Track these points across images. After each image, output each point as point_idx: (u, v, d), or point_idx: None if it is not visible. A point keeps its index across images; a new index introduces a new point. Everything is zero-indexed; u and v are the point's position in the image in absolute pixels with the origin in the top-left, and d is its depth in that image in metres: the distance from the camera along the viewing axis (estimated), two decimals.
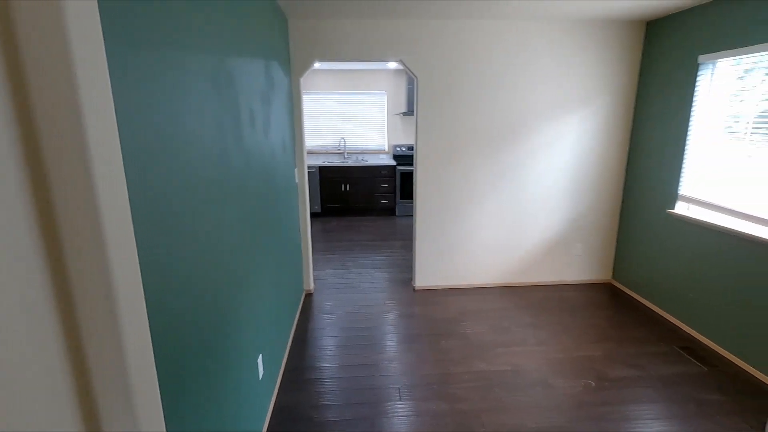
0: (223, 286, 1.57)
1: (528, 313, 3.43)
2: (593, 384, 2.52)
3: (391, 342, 3.00)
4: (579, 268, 3.99)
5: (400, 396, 2.43)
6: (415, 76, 3.43)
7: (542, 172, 3.72)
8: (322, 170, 6.42)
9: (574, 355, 2.82)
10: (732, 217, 2.79)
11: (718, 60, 2.83)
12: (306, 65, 3.34)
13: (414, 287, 3.90)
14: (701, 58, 2.92)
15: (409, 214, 6.73)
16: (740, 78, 2.75)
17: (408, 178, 6.56)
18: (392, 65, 6.16)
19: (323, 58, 3.34)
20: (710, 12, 2.85)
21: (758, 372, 2.57)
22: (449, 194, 3.70)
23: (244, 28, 1.94)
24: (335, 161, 6.66)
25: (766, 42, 2.48)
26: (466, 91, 3.49)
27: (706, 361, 2.74)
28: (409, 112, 6.57)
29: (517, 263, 3.93)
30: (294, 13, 3.07)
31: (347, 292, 3.82)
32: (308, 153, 6.91)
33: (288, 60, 3.24)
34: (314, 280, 4.04)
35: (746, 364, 2.65)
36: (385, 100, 6.81)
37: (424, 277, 3.88)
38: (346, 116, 6.83)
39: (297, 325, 3.27)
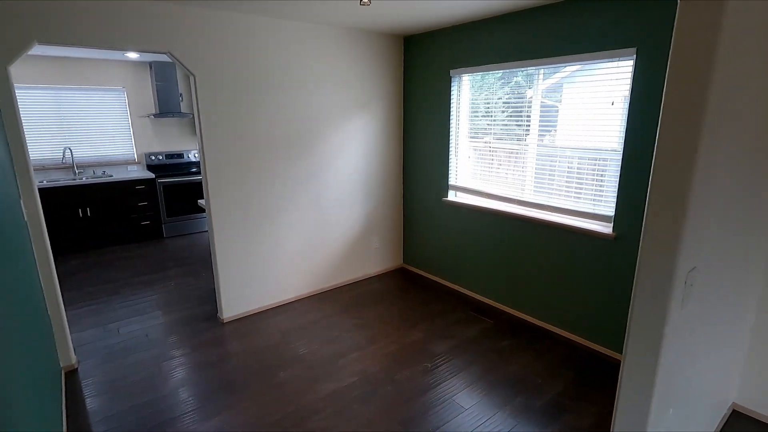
0: None
1: (350, 314, 3.47)
2: (429, 365, 2.76)
3: (213, 401, 2.47)
4: (378, 259, 4.31)
5: None
6: (191, 73, 2.85)
7: (338, 174, 3.79)
8: (42, 193, 4.68)
9: (404, 342, 3.03)
10: (486, 199, 3.55)
11: (463, 75, 3.51)
12: (17, 48, 2.27)
13: (222, 320, 3.34)
14: (452, 72, 3.55)
15: (182, 233, 5.74)
16: (475, 88, 3.49)
17: (174, 191, 5.57)
18: (133, 56, 5.01)
19: (48, 40, 2.35)
20: (455, 34, 3.48)
21: (521, 313, 3.40)
22: (250, 206, 3.31)
23: None
24: (61, 179, 4.99)
25: (487, 64, 3.23)
26: (257, 93, 3.16)
27: (491, 315, 3.43)
28: (162, 113, 5.53)
29: (327, 267, 3.91)
30: None
31: (129, 354, 2.92)
32: None
33: None
34: (74, 349, 2.90)
35: (513, 310, 3.46)
36: (125, 99, 5.52)
37: (233, 305, 3.37)
38: (70, 119, 5.18)
39: (67, 425, 2.27)
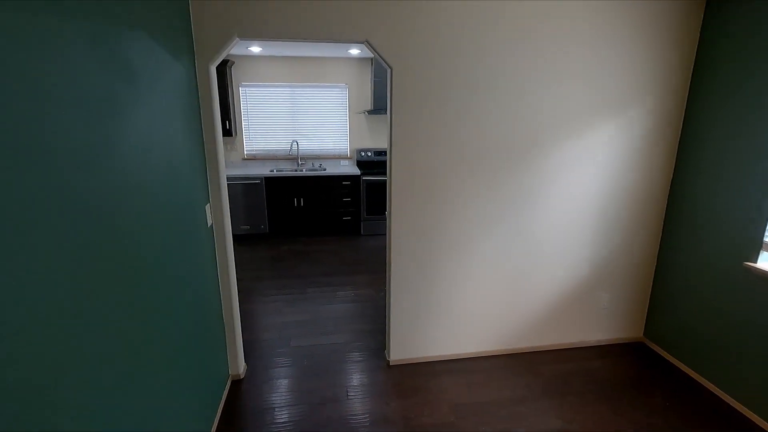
0: None
1: (550, 403, 2.44)
2: None
3: None
4: (604, 324, 3.05)
5: None
6: (388, 65, 2.31)
7: (558, 203, 2.72)
8: (269, 181, 5.18)
9: None
10: None
11: None
12: (219, 45, 2.14)
13: (389, 361, 2.82)
14: None
15: (378, 233, 5.62)
16: None
17: (376, 190, 5.45)
18: (355, 52, 5.00)
19: (248, 35, 2.15)
20: None
21: None
22: (434, 230, 2.63)
23: None
24: (286, 170, 5.45)
25: None
26: (459, 90, 2.41)
27: None
28: (376, 110, 5.44)
29: (524, 321, 2.93)
30: None
31: (295, 375, 2.68)
32: (254, 159, 5.64)
33: (186, 34, 2.03)
34: (245, 358, 2.85)
35: None
36: (347, 95, 5.64)
37: (402, 347, 2.81)
38: (299, 114, 5.61)
39: None
